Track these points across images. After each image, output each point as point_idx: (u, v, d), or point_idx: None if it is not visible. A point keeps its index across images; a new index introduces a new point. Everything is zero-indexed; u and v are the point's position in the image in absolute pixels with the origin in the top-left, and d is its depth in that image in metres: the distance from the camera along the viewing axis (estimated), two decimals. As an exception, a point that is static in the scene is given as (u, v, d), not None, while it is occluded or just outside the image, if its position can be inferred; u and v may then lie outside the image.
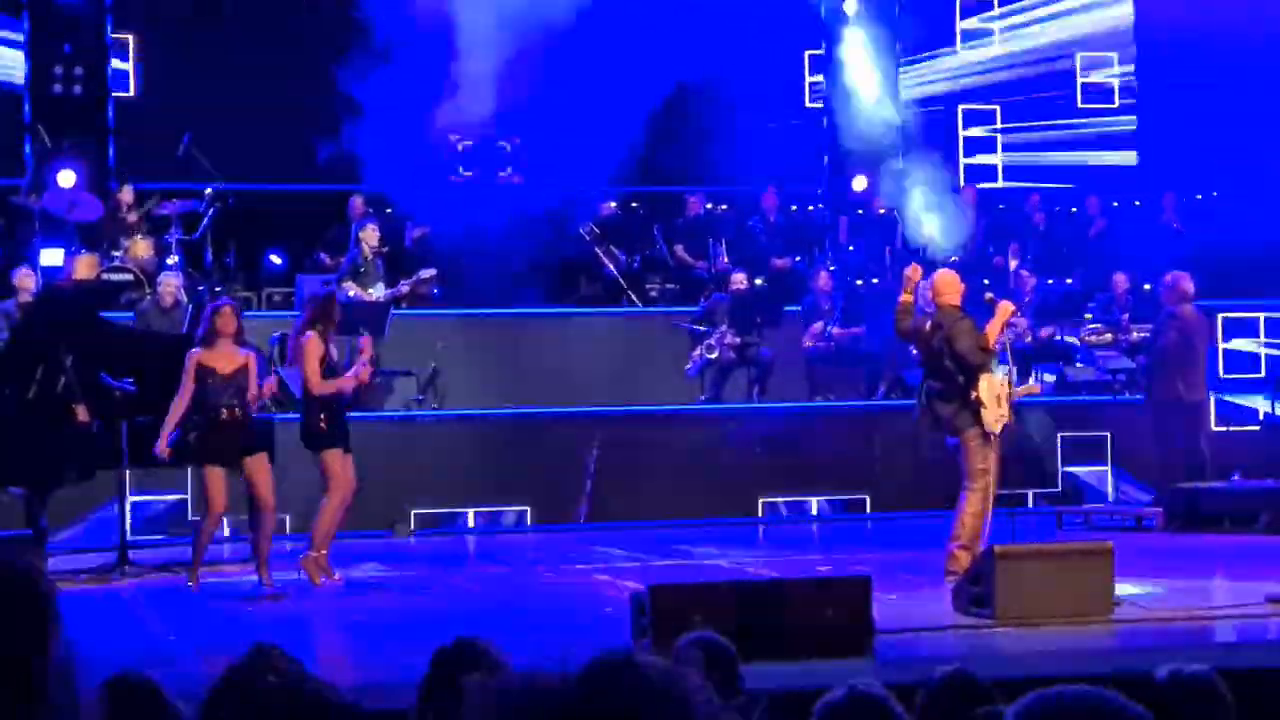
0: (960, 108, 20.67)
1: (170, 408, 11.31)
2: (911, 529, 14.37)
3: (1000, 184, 20.53)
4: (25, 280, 15.53)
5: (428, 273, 17.15)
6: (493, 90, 17.11)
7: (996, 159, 20.73)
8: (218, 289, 16.50)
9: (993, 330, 10.98)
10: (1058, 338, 17.36)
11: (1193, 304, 14.93)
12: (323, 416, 11.33)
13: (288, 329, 15.24)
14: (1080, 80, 21.13)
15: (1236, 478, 15.17)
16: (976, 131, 20.77)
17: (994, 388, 10.84)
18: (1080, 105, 21.02)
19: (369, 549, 13.63)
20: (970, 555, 10.52)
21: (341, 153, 17.31)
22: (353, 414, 12.24)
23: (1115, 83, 21.24)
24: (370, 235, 16.61)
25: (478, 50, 17.32)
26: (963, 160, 20.58)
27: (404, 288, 16.85)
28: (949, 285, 11.20)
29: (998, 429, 10.84)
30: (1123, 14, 20.86)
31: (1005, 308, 11.16)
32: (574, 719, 1.68)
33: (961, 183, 19.75)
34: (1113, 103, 21.16)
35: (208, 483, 11.32)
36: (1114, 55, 21.32)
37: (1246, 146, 19.89)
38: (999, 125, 20.72)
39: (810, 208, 20.13)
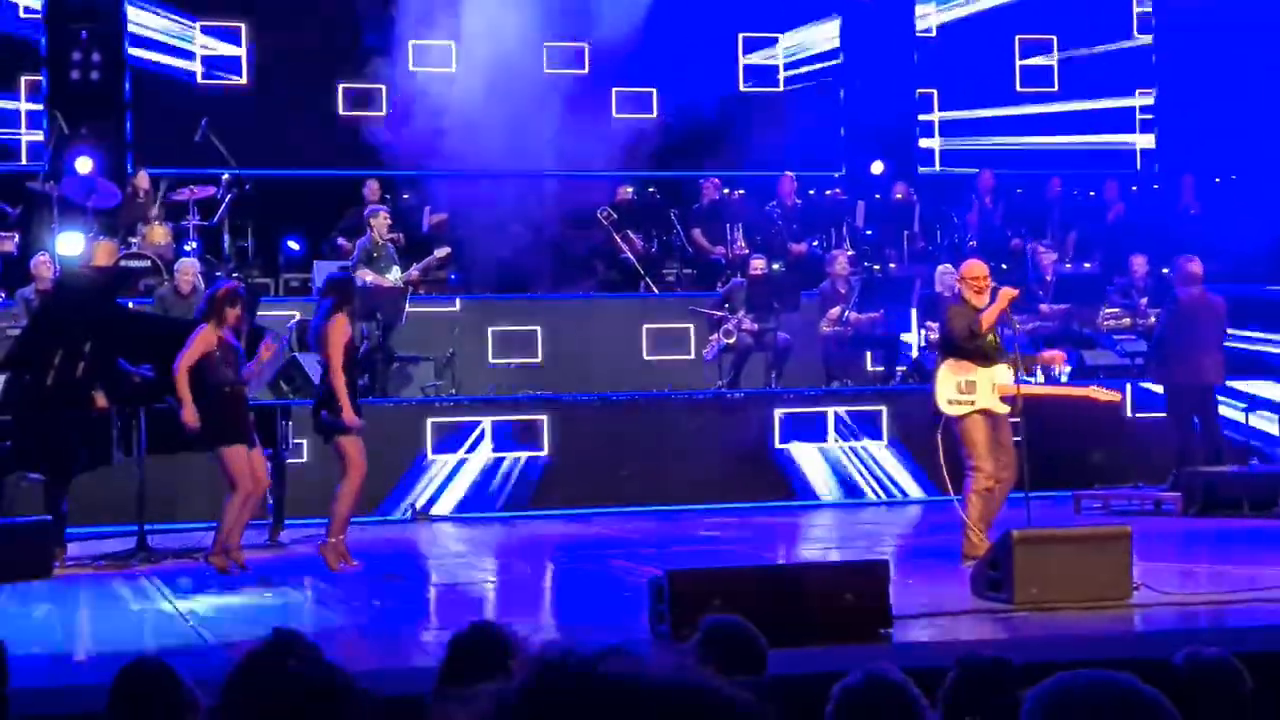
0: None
1: (181, 382, 11.33)
2: (928, 513, 14.38)
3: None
4: (43, 268, 15.55)
5: (441, 251, 17.18)
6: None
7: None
8: (234, 275, 16.52)
9: (989, 316, 10.99)
10: (1074, 325, 17.32)
11: (1201, 287, 14.81)
12: (356, 406, 11.34)
13: (305, 315, 15.28)
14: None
15: (1255, 462, 15.14)
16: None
17: (993, 375, 10.89)
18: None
19: (386, 535, 13.65)
20: (982, 537, 10.53)
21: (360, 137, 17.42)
22: (368, 399, 12.26)
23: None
24: (380, 223, 16.62)
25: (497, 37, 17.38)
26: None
27: (415, 272, 16.87)
28: (969, 272, 11.27)
29: (951, 412, 10.86)
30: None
31: (1005, 293, 11.14)
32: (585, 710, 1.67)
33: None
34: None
35: (232, 462, 11.32)
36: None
37: (1265, 129, 19.83)
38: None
39: (828, 192, 20.11)
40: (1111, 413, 15.40)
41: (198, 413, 11.33)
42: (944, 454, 10.89)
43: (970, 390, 10.90)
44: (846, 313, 16.93)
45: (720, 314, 16.60)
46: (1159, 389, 15.21)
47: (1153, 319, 16.59)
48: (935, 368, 11.15)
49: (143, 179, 17.78)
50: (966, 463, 10.96)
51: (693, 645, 4.97)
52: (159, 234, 17.14)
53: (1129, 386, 15.89)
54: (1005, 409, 10.95)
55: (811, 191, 19.90)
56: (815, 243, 18.95)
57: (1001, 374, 10.94)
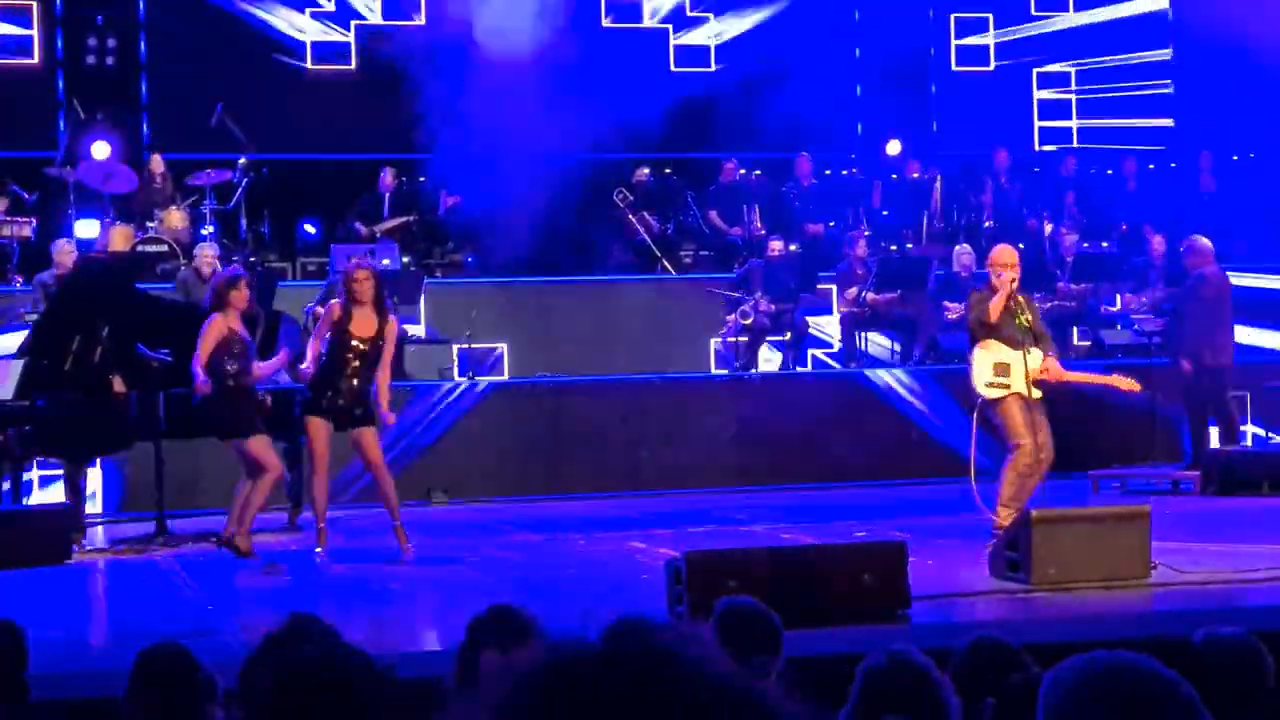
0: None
1: (199, 370, 11.25)
2: (947, 495, 14.35)
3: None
4: (66, 255, 15.47)
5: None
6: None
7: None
8: (251, 259, 16.54)
9: (996, 305, 10.96)
10: (1093, 304, 17.28)
11: (1216, 265, 14.79)
12: (329, 392, 11.17)
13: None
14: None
15: (1275, 440, 15.12)
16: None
17: (1024, 360, 10.85)
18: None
19: (405, 518, 13.63)
20: (1012, 515, 10.51)
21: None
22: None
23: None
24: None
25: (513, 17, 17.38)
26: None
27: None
28: (996, 255, 11.28)
29: (989, 394, 10.85)
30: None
31: (1003, 280, 11.10)
32: (596, 687, 1.64)
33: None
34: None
35: (260, 450, 11.25)
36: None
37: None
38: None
39: (844, 172, 20.07)
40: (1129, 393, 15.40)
41: (212, 405, 11.26)
42: (974, 438, 10.88)
43: (1005, 373, 10.88)
44: (864, 293, 16.90)
45: (737, 295, 16.58)
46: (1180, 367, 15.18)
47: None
48: (969, 351, 11.10)
49: (157, 163, 17.79)
50: (1008, 442, 10.96)
51: (709, 627, 4.97)
52: (176, 218, 17.15)
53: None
54: (1038, 394, 10.92)
55: (828, 172, 19.86)
56: (832, 223, 18.92)
57: (1033, 359, 10.90)
